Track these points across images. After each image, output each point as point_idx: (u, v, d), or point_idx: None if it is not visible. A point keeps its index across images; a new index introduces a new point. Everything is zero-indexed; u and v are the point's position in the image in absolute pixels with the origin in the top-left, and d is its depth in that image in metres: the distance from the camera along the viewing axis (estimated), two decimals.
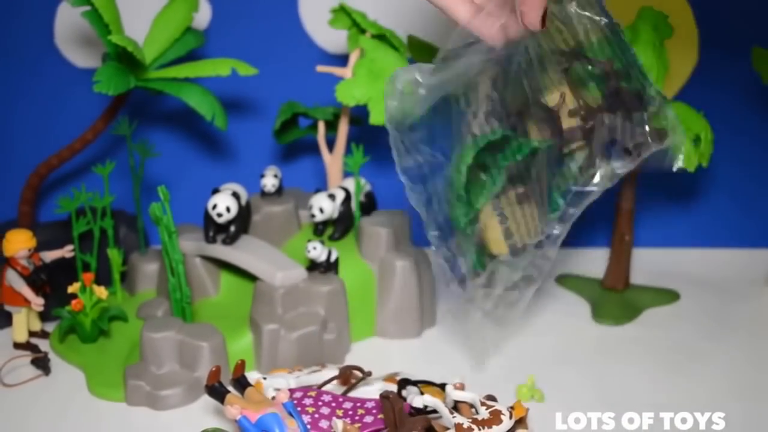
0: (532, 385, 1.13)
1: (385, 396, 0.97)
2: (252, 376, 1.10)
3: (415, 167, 1.03)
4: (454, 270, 1.06)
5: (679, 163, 1.07)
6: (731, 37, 1.45)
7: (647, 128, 1.04)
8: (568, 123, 1.04)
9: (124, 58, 1.29)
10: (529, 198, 1.05)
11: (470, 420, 0.97)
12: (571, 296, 1.41)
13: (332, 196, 1.33)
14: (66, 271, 1.29)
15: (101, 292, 1.24)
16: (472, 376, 1.13)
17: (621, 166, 1.04)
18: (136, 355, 1.19)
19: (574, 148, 1.05)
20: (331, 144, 1.43)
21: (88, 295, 1.23)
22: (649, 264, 1.49)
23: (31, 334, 1.28)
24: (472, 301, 1.07)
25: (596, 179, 1.05)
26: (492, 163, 1.03)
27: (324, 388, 1.11)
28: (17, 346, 1.25)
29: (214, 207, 1.26)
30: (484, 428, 0.96)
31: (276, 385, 1.10)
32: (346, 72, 1.34)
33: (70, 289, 1.24)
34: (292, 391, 1.08)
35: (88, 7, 1.25)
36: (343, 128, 1.40)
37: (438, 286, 1.37)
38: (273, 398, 1.01)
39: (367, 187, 1.39)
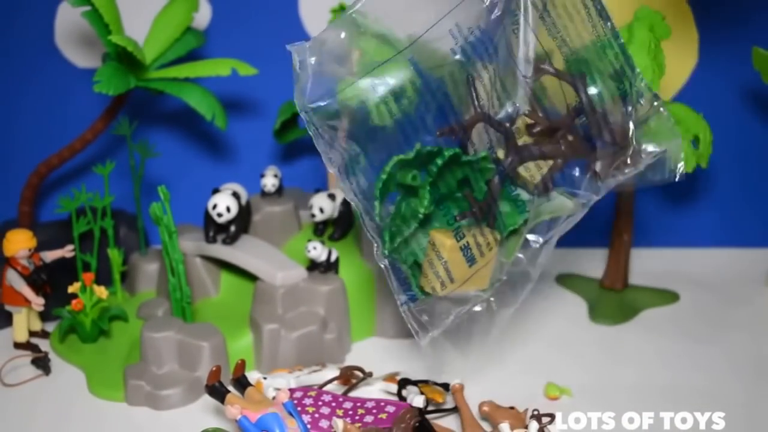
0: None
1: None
2: (252, 375, 1.10)
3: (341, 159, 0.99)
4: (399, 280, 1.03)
5: (679, 171, 1.05)
6: (731, 37, 1.45)
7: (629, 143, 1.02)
8: (524, 140, 1.03)
9: (124, 58, 1.29)
10: (477, 220, 1.02)
11: None
12: (570, 296, 1.41)
13: (332, 196, 1.33)
14: (66, 271, 1.29)
15: (101, 292, 1.24)
16: (471, 377, 1.13)
17: (589, 191, 1.03)
18: (136, 355, 1.19)
19: (526, 175, 1.03)
20: None
21: (89, 295, 1.23)
22: (648, 264, 1.49)
23: (32, 334, 1.28)
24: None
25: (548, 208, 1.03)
26: (419, 183, 1.00)
27: (324, 388, 1.11)
28: (17, 345, 1.25)
29: (214, 207, 1.26)
30: None
31: (276, 384, 1.10)
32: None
33: (71, 289, 1.24)
34: (292, 390, 1.08)
35: (88, 7, 1.26)
36: (343, 128, 1.40)
37: None
38: (273, 398, 1.01)
39: None
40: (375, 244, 1.01)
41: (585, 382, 1.15)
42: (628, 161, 1.03)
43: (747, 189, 1.55)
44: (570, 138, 1.03)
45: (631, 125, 1.03)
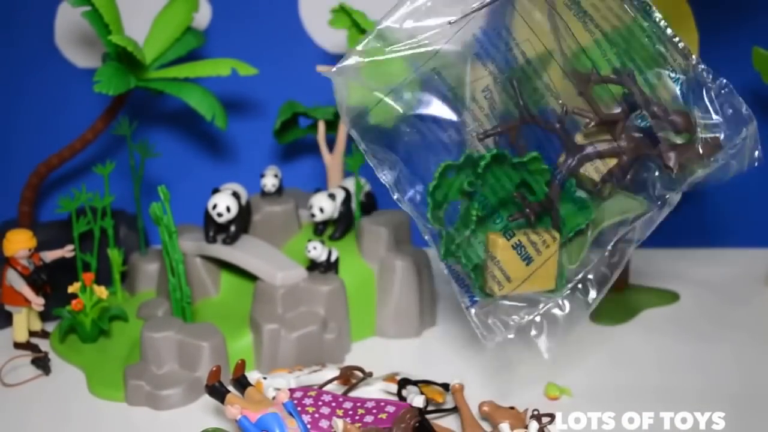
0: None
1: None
2: (252, 375, 1.10)
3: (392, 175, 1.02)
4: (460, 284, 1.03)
5: (759, 158, 1.01)
6: (731, 37, 1.45)
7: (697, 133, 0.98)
8: (582, 140, 1.02)
9: (124, 58, 1.29)
10: (529, 222, 1.01)
11: None
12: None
13: (332, 196, 1.33)
14: (66, 271, 1.29)
15: (101, 291, 1.24)
16: (470, 377, 1.13)
17: (665, 188, 1.02)
18: (136, 355, 1.19)
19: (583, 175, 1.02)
20: (331, 144, 1.43)
21: (89, 295, 1.23)
22: (649, 264, 1.49)
23: (32, 333, 1.28)
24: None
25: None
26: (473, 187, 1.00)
27: (324, 388, 1.11)
28: (17, 345, 1.25)
29: (214, 207, 1.26)
30: None
31: (276, 384, 1.10)
32: None
33: (71, 289, 1.24)
34: (292, 390, 1.08)
35: (88, 7, 1.26)
36: (343, 128, 1.40)
37: (438, 286, 1.37)
38: (273, 398, 1.01)
39: (367, 187, 1.39)
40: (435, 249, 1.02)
41: (585, 382, 1.15)
42: (701, 151, 1.00)
43: (747, 189, 1.55)
44: (632, 134, 1.01)
45: (697, 112, 1.00)
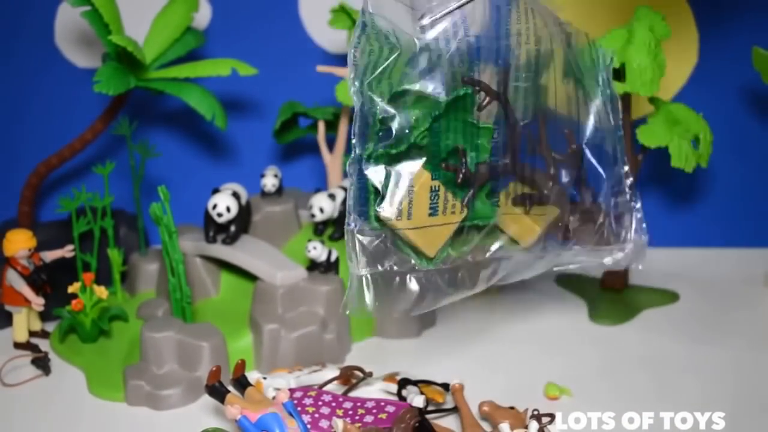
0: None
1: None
2: (252, 375, 1.10)
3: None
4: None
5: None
6: (731, 37, 1.45)
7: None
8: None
9: (124, 58, 1.29)
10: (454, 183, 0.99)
11: None
12: (570, 296, 1.41)
13: (332, 196, 1.33)
14: (66, 271, 1.29)
15: (101, 292, 1.24)
16: (470, 377, 1.13)
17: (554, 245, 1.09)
18: (136, 355, 1.19)
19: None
20: (331, 144, 1.43)
21: (89, 295, 1.23)
22: (649, 264, 1.48)
23: (32, 333, 1.28)
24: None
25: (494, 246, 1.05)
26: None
27: (324, 388, 1.11)
28: (17, 345, 1.25)
29: (214, 207, 1.26)
30: None
31: (276, 384, 1.10)
32: (346, 72, 1.34)
33: (71, 289, 1.24)
34: (292, 390, 1.08)
35: (88, 7, 1.26)
36: (343, 128, 1.40)
37: None
38: (273, 398, 1.01)
39: None
40: (354, 150, 0.96)
41: (585, 382, 1.15)
42: (594, 238, 1.10)
43: (747, 189, 1.55)
44: (562, 189, 1.07)
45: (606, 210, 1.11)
